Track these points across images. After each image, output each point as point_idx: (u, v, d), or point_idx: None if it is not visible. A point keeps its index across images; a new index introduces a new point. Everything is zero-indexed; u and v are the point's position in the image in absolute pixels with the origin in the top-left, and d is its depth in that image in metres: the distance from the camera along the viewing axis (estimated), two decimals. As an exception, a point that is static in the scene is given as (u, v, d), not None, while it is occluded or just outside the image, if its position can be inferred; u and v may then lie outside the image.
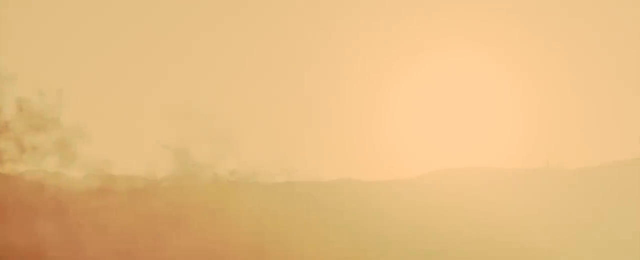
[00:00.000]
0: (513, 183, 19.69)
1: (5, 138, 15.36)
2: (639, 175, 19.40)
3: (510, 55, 27.62)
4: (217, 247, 14.07)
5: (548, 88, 27.64)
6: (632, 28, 29.85)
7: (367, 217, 18.22)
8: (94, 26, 30.57)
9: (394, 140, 24.17)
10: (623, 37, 29.75)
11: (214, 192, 16.06)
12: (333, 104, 28.40)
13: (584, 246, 16.97)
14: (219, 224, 14.52)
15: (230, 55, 30.59)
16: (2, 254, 13.60)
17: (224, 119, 16.88)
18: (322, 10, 30.54)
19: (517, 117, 25.28)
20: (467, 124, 25.42)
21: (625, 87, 29.26)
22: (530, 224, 17.60)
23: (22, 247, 13.63)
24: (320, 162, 23.23)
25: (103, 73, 29.55)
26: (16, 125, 15.48)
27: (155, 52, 30.17)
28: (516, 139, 23.29)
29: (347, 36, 30.04)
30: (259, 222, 15.29)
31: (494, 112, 25.94)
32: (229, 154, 16.53)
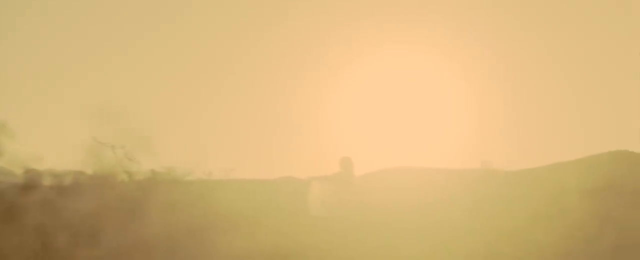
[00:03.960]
0: (448, 183, 19.78)
1: None
2: (576, 177, 19.57)
3: (448, 55, 27.73)
4: (137, 246, 14.01)
5: (485, 88, 27.78)
6: (571, 30, 30.13)
7: (303, 214, 18.23)
8: (17, 23, 30.23)
9: (334, 140, 24.18)
10: (562, 38, 30.02)
11: (146, 189, 15.99)
12: (273, 103, 28.35)
13: (519, 248, 17.10)
14: (141, 222, 14.46)
15: (164, 51, 30.43)
16: None
17: (156, 115, 16.79)
18: (255, 8, 30.44)
19: (454, 117, 25.38)
20: (403, 123, 25.48)
21: (564, 89, 29.50)
22: (465, 225, 17.71)
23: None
24: (260, 160, 23.21)
25: (27, 69, 29.25)
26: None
27: (80, 48, 29.90)
28: (453, 139, 23.40)
29: (283, 34, 30.00)
30: (180, 219, 15.25)
31: (431, 111, 26.03)
32: (161, 151, 16.46)
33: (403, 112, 26.16)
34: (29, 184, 15.03)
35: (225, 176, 17.35)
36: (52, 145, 16.19)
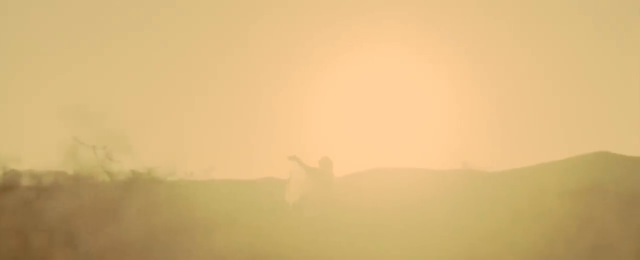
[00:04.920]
0: (430, 184, 19.79)
1: None
2: (557, 179, 19.61)
3: (429, 56, 27.79)
4: (118, 246, 13.93)
5: (467, 89, 27.86)
6: (555, 32, 30.24)
7: (285, 215, 18.18)
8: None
9: (318, 141, 24.17)
10: (545, 39, 30.13)
11: (127, 189, 15.91)
12: (254, 103, 28.32)
13: (500, 249, 17.11)
14: (122, 223, 14.39)
15: (145, 51, 30.35)
16: None
17: (136, 115, 16.71)
18: (236, 8, 30.39)
19: (435, 118, 25.42)
20: (385, 124, 25.51)
21: (546, 90, 29.61)
22: (447, 226, 17.70)
23: None
24: (241, 160, 23.16)
25: (6, 69, 29.09)
26: None
27: (60, 48, 29.80)
28: (434, 140, 23.42)
29: (265, 34, 29.98)
30: (160, 219, 15.19)
31: (413, 112, 26.07)
32: (142, 151, 16.38)
33: (385, 113, 26.18)
34: (8, 184, 14.92)
35: (206, 176, 17.27)
36: (31, 146, 16.10)
